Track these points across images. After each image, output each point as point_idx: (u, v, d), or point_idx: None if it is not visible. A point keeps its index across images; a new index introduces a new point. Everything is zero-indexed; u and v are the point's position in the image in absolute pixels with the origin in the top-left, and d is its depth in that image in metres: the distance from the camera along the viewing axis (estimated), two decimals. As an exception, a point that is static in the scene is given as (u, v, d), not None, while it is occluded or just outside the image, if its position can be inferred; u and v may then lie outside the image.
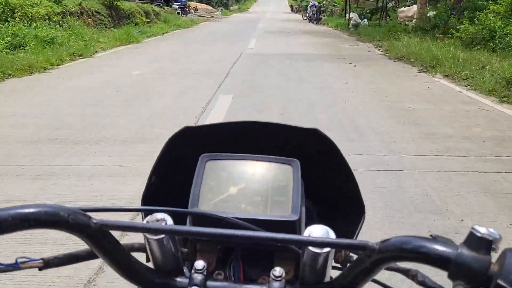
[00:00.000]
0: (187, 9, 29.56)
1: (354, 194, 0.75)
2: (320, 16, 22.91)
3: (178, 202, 0.64)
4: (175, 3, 29.45)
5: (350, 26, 17.89)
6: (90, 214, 0.50)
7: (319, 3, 24.94)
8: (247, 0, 65.63)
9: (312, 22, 23.86)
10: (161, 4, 25.73)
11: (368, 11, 21.46)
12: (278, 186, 0.63)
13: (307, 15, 25.27)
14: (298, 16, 36.55)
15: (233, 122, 0.77)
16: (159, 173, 0.76)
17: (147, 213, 0.56)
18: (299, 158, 0.66)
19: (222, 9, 42.62)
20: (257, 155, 0.67)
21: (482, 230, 0.42)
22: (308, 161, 0.69)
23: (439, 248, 0.43)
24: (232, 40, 14.05)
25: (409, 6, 21.91)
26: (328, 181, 0.77)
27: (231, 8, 48.75)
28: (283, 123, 0.76)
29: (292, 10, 51.10)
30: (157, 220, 0.53)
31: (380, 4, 20.40)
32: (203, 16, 30.27)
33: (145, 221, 0.54)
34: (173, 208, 0.56)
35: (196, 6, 37.56)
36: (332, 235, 0.52)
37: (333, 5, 28.78)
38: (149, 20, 18.69)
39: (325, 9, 26.22)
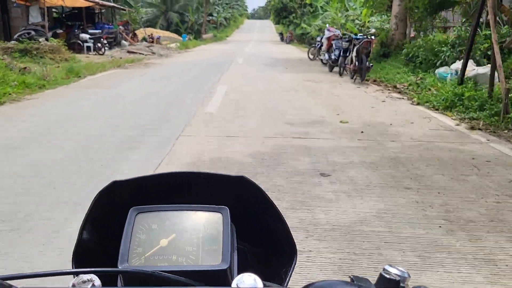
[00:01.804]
0: (103, 42, 16.71)
1: (285, 236, 0.75)
2: (369, 64, 9.28)
3: (113, 257, 0.62)
4: (85, 33, 16.85)
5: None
6: (12, 282, 0.47)
7: (344, 34, 12.32)
8: (227, 27, 53.41)
9: (340, 73, 10.77)
10: (34, 35, 12.99)
11: (483, 54, 8.91)
12: (208, 235, 0.63)
13: (325, 56, 12.16)
14: (296, 51, 24.07)
15: (162, 174, 0.77)
16: (90, 229, 0.73)
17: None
18: (229, 204, 0.67)
19: (190, 38, 30.54)
20: (187, 205, 0.67)
21: (392, 271, 0.46)
22: (238, 206, 0.72)
23: None
24: None
25: None
26: (260, 224, 0.79)
27: (203, 36, 36.39)
28: (211, 172, 0.77)
29: (282, 39, 39.04)
30: (84, 282, 0.52)
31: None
32: (135, 53, 17.50)
33: (71, 284, 0.53)
34: (100, 269, 0.57)
35: (152, 34, 25.73)
36: (259, 283, 0.54)
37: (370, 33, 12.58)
38: None
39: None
